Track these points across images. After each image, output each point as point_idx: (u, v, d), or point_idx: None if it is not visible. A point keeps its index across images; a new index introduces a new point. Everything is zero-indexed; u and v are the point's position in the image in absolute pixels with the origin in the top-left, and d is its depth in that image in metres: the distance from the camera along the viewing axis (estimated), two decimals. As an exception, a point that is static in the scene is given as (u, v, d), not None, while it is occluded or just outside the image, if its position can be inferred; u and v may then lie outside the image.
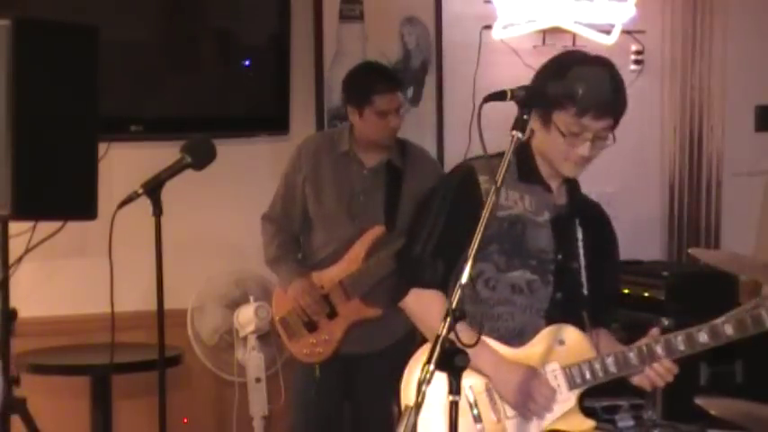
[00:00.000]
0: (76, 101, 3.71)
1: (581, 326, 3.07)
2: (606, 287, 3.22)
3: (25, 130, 3.58)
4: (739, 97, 6.04)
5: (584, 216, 3.15)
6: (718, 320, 2.99)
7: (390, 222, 4.55)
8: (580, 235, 3.11)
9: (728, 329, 2.97)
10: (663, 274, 5.21)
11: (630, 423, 3.98)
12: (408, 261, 3.08)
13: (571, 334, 3.02)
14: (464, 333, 2.64)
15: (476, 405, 2.94)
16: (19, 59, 3.55)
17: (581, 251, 3.10)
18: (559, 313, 3.06)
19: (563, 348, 3.00)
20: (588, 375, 2.98)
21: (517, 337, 3.02)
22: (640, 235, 5.94)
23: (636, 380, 3.05)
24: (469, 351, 2.42)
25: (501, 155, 2.84)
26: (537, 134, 3.04)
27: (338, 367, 4.67)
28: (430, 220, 3.05)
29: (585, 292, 3.09)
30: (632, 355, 3.00)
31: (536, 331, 3.03)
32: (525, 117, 2.54)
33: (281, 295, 4.73)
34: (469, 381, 2.91)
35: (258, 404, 5.10)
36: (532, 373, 2.95)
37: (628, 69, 5.85)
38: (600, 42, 5.66)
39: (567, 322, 3.04)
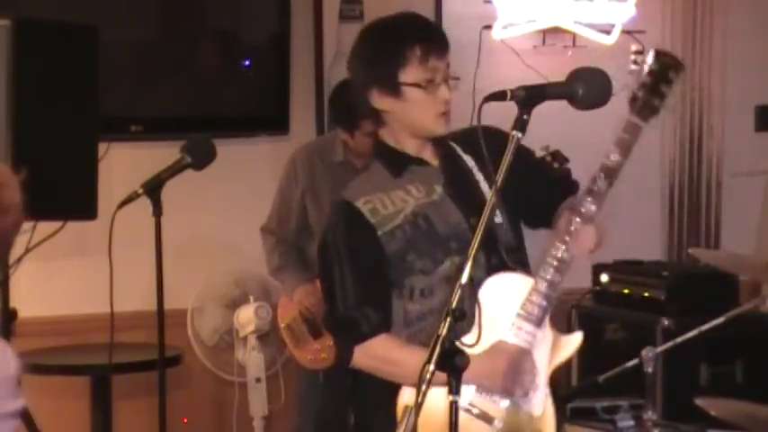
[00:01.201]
0: (76, 101, 3.72)
1: (503, 263, 2.89)
2: (542, 177, 3.07)
3: (25, 130, 3.58)
4: (739, 97, 6.04)
5: (465, 149, 2.95)
6: (605, 156, 2.82)
7: None
8: (473, 166, 2.91)
9: (615, 156, 2.80)
10: (663, 274, 5.21)
11: (630, 423, 3.97)
12: (337, 323, 2.93)
13: (502, 281, 2.85)
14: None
15: (476, 409, 2.83)
16: (19, 59, 3.56)
17: (482, 185, 2.90)
18: (494, 268, 2.87)
19: (503, 300, 2.82)
20: (542, 301, 2.80)
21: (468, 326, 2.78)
22: (640, 235, 5.94)
23: (576, 251, 2.84)
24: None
25: (366, 169, 2.91)
26: (392, 115, 2.87)
27: (342, 371, 4.66)
28: (336, 273, 2.86)
29: (498, 219, 2.87)
30: (562, 250, 2.79)
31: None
32: (525, 117, 2.52)
33: (287, 303, 4.74)
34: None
35: (258, 404, 5.10)
36: (505, 352, 2.79)
37: (628, 69, 5.85)
38: (600, 42, 5.66)
39: (497, 268, 2.87)
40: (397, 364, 2.80)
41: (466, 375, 2.45)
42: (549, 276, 2.80)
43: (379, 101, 2.87)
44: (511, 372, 2.79)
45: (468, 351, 2.65)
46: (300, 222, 4.70)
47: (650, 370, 3.75)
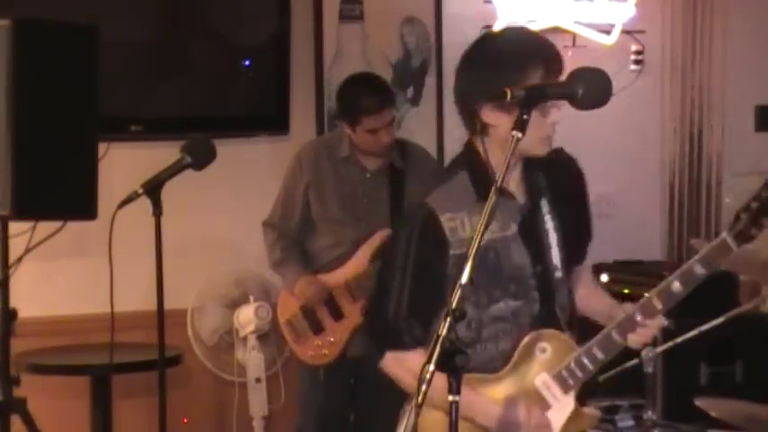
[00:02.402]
0: (76, 101, 3.71)
1: (554, 319, 2.91)
2: (581, 233, 3.07)
3: (25, 129, 3.58)
4: (739, 97, 6.05)
5: (547, 176, 2.91)
6: (687, 265, 2.84)
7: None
8: (547, 212, 2.89)
9: (698, 269, 2.81)
10: (663, 274, 5.19)
11: (630, 423, 3.96)
12: (382, 326, 2.89)
13: (550, 338, 2.87)
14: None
15: None
16: (19, 59, 3.55)
17: (550, 233, 2.89)
18: (543, 321, 2.90)
19: (545, 356, 2.86)
20: (579, 373, 2.85)
21: (500, 362, 2.86)
22: (640, 235, 5.94)
23: (631, 342, 2.91)
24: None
25: (452, 176, 2.83)
26: (497, 129, 2.77)
27: (343, 370, 4.67)
28: (397, 277, 2.83)
29: (558, 274, 2.91)
30: (614, 334, 2.86)
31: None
32: (525, 117, 2.51)
33: (287, 297, 4.74)
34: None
35: (258, 404, 5.10)
36: (512, 405, 2.82)
37: (628, 69, 5.86)
38: (600, 42, 5.66)
39: (547, 321, 2.90)
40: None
41: (484, 418, 2.65)
42: (599, 356, 2.85)
43: (490, 115, 2.77)
44: (525, 424, 2.80)
45: (493, 393, 2.80)
46: (303, 218, 4.71)
47: (650, 370, 3.74)
